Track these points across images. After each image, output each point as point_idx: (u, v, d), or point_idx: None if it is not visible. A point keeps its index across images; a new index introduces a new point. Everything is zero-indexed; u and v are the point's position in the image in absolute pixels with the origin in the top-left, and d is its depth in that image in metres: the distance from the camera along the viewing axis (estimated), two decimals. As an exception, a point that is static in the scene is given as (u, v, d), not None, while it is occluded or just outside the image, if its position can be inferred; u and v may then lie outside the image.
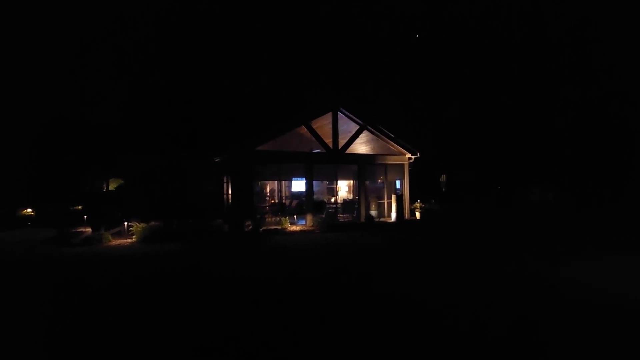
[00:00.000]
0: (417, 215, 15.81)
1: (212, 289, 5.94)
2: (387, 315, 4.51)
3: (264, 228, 12.66)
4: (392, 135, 15.86)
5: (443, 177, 22.98)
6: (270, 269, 7.34)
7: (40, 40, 22.87)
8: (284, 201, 15.96)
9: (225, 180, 15.88)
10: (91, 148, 18.44)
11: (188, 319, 4.53)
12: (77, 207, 15.71)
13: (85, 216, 14.34)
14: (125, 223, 12.29)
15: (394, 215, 15.32)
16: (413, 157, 16.18)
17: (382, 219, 15.41)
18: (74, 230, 12.16)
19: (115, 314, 4.77)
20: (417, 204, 16.21)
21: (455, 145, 25.61)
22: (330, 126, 14.98)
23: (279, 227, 12.93)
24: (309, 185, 14.45)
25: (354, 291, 5.60)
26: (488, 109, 26.84)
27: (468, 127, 26.39)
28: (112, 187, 17.68)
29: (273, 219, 13.86)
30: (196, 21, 26.40)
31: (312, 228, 13.24)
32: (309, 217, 13.92)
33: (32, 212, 16.36)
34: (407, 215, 15.67)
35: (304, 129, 14.91)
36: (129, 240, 11.15)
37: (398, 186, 16.55)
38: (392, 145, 16.08)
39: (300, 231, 12.84)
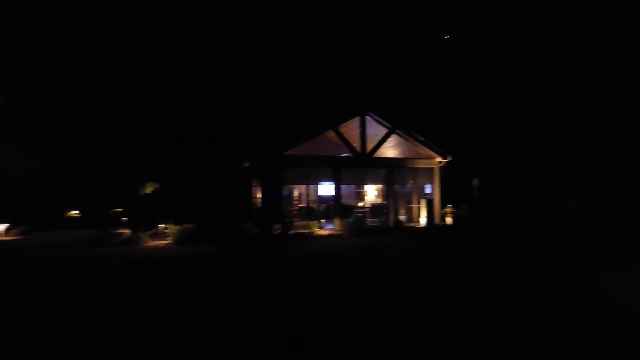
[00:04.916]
0: (448, 220, 15.36)
1: (241, 294, 6.06)
2: (415, 340, 4.00)
3: (292, 232, 12.79)
4: (422, 139, 15.55)
5: (475, 182, 22.17)
6: (299, 276, 7.37)
7: (72, 49, 24.07)
8: (311, 205, 16.05)
9: (254, 185, 16.19)
10: (130, 155, 19.51)
11: (210, 318, 4.66)
12: (117, 210, 16.63)
13: (124, 218, 15.14)
14: (161, 225, 12.84)
15: (423, 220, 14.96)
16: (444, 160, 15.77)
17: (411, 224, 15.10)
18: (114, 232, 12.87)
19: (148, 314, 4.98)
20: (448, 209, 15.75)
21: (488, 148, 24.70)
22: (358, 130, 14.93)
23: (307, 231, 13.01)
24: (336, 190, 14.45)
25: (383, 307, 5.21)
26: (524, 111, 25.73)
27: (502, 130, 25.39)
28: (148, 190, 18.55)
29: (301, 222, 13.98)
30: (218, 28, 27.19)
31: (340, 232, 13.21)
32: (337, 222, 13.90)
33: (78, 214, 17.53)
34: (437, 220, 15.26)
35: (331, 134, 14.96)
36: (164, 241, 11.64)
37: (428, 190, 16.17)
38: (422, 149, 15.77)
39: (329, 235, 12.85)
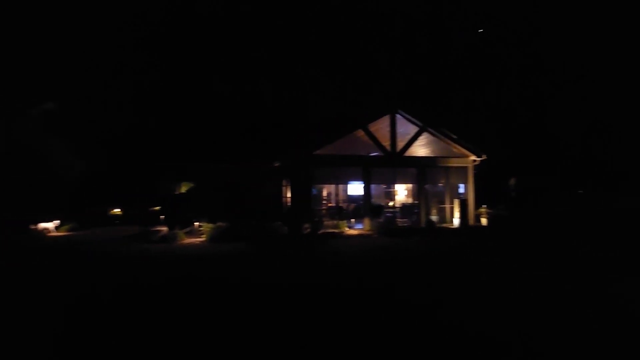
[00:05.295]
0: (483, 221, 14.75)
1: (274, 292, 6.16)
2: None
3: (321, 231, 12.82)
4: (455, 137, 15.07)
5: (512, 181, 21.16)
6: (330, 276, 7.38)
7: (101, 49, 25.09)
8: (341, 205, 16.01)
9: (284, 184, 16.42)
10: (166, 156, 20.42)
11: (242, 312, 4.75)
12: (155, 208, 17.46)
13: (161, 216, 15.86)
14: (196, 223, 13.33)
15: (456, 221, 14.48)
16: (478, 159, 15.18)
17: (443, 225, 14.67)
18: (153, 229, 13.52)
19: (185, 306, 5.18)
20: (483, 209, 15.13)
21: (526, 145, 23.48)
22: (388, 129, 14.71)
23: (336, 231, 12.99)
24: (366, 189, 14.32)
25: (417, 314, 5.04)
26: (563, 105, 24.24)
27: (541, 124, 24.05)
28: (183, 190, 19.34)
29: (330, 222, 13.98)
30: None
31: (369, 232, 13.07)
32: (367, 221, 13.77)
33: (120, 212, 18.60)
34: (471, 221, 14.72)
35: (361, 133, 14.84)
36: (199, 239, 12.06)
37: (461, 190, 15.63)
38: (455, 147, 15.27)
39: (358, 235, 12.76)
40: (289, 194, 15.07)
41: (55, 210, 15.94)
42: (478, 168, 15.45)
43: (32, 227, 14.36)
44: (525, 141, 23.91)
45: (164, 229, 13.45)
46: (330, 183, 16.32)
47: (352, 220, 14.71)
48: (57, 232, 15.07)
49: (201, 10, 27.38)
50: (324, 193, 17.50)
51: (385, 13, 28.16)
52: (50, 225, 14.96)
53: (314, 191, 15.42)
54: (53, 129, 19.25)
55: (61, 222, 15.54)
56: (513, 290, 5.81)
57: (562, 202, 20.21)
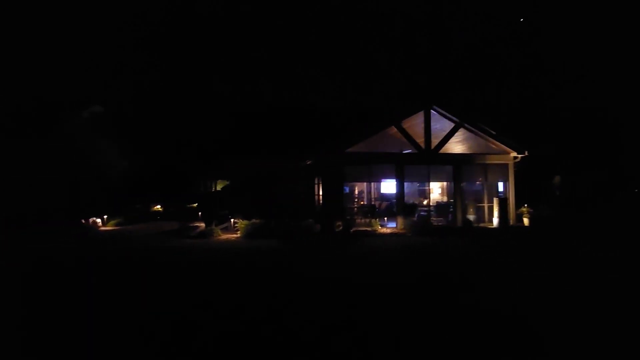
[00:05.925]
0: (525, 221, 14.00)
1: (305, 287, 6.22)
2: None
3: (354, 229, 12.76)
4: (494, 133, 14.40)
5: (557, 179, 19.92)
6: (364, 274, 7.34)
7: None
8: (373, 203, 15.85)
9: (316, 182, 16.50)
10: (203, 154, 21.23)
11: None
12: (193, 205, 18.24)
13: (199, 213, 16.52)
14: (231, 220, 13.75)
15: (495, 221, 13.85)
16: (519, 155, 14.41)
17: (481, 224, 14.09)
18: (191, 225, 14.13)
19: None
20: (524, 209, 14.34)
21: (572, 141, 21.96)
22: (422, 125, 14.33)
23: (368, 229, 12.88)
24: (399, 187, 14.06)
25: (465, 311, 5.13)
26: (611, 97, 22.46)
27: (588, 119, 22.39)
28: (218, 187, 20.04)
29: (362, 220, 13.88)
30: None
31: (403, 231, 12.84)
32: (400, 220, 13.53)
33: (161, 208, 19.62)
34: (512, 221, 14.03)
35: (393, 130, 14.56)
36: (235, 235, 12.43)
37: (500, 188, 14.93)
38: (493, 144, 14.60)
39: (391, 234, 12.57)
40: (321, 192, 15.13)
41: (102, 207, 17.10)
42: (519, 165, 14.68)
43: (84, 221, 15.49)
44: (571, 136, 22.38)
45: (202, 225, 14.00)
46: (363, 181, 16.18)
47: (385, 218, 14.52)
48: (106, 226, 16.15)
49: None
50: (356, 191, 17.41)
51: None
52: (99, 220, 16.07)
53: (346, 189, 15.37)
54: (99, 130, 20.58)
55: (108, 218, 16.64)
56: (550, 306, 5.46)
57: (613, 200, 18.70)
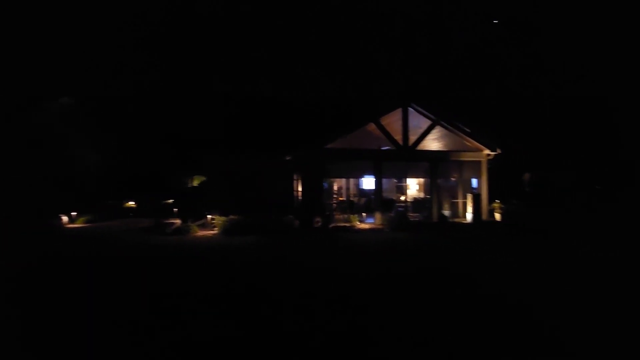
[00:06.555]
0: (497, 216, 14.54)
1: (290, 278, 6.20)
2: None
3: (333, 225, 12.83)
4: (468, 130, 14.82)
5: (526, 176, 20.77)
6: (340, 264, 7.39)
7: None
8: (352, 199, 15.97)
9: (295, 178, 16.43)
10: (181, 149, 20.66)
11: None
12: (168, 201, 17.71)
13: (174, 209, 16.08)
14: (208, 216, 13.47)
15: (469, 216, 14.31)
16: (492, 153, 14.93)
17: (455, 219, 14.51)
18: (166, 221, 13.73)
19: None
20: (496, 204, 14.90)
21: (543, 139, 22.97)
22: (400, 123, 14.54)
23: (347, 225, 12.98)
24: (377, 183, 14.23)
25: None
26: (581, 98, 23.65)
27: (558, 118, 23.49)
28: (195, 183, 19.57)
29: (341, 216, 13.97)
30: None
31: (381, 226, 13.03)
32: (378, 216, 13.72)
33: (134, 204, 18.95)
34: (484, 216, 14.52)
35: (372, 126, 14.71)
36: (212, 231, 12.20)
37: (474, 185, 15.41)
38: (468, 141, 15.04)
39: (370, 229, 12.72)
40: (300, 188, 15.09)
41: (72, 204, 16.32)
42: (492, 163, 15.20)
43: (50, 220, 14.70)
44: (541, 136, 23.40)
45: (177, 221, 13.64)
46: (342, 177, 16.28)
47: (364, 214, 14.68)
48: (74, 224, 15.43)
49: (201, 10, 27.45)
50: (335, 187, 17.48)
51: (385, 13, 27.85)
52: (65, 217, 15.30)
53: (325, 185, 15.40)
54: (68, 123, 19.61)
55: (77, 214, 15.90)
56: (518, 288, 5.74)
57: (577, 197, 19.73)
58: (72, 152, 18.86)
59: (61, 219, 14.97)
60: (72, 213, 15.80)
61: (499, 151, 14.88)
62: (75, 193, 17.03)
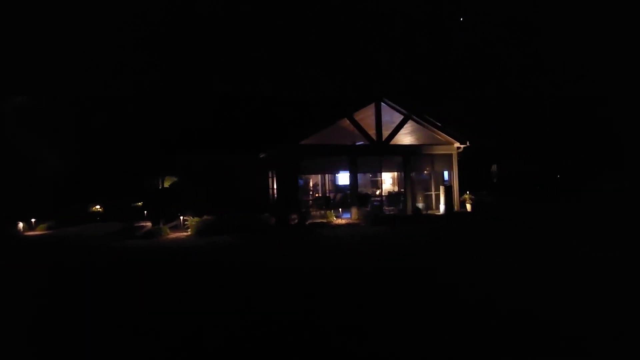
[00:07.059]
0: (468, 207, 15.04)
1: (264, 279, 6.09)
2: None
3: (309, 221, 12.77)
4: (439, 124, 15.20)
5: (494, 167, 21.66)
6: (314, 260, 7.36)
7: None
8: (328, 195, 15.99)
9: (270, 175, 16.25)
10: (150, 150, 19.87)
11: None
12: (137, 204, 17.00)
13: (145, 211, 15.46)
14: (181, 217, 13.05)
15: (442, 208, 14.71)
16: (462, 146, 15.39)
17: (429, 212, 14.87)
18: (136, 225, 13.16)
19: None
20: (467, 196, 15.41)
21: (509, 132, 23.99)
22: (373, 118, 14.68)
23: (324, 221, 12.97)
24: (353, 178, 14.32)
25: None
26: (546, 93, 24.88)
27: (523, 112, 24.60)
28: (166, 184, 18.91)
29: (318, 212, 13.95)
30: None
31: (357, 221, 13.12)
32: (354, 211, 13.81)
33: (101, 208, 18.02)
34: (456, 207, 14.98)
35: (346, 122, 14.75)
36: (185, 233, 11.82)
37: (446, 177, 15.85)
38: (439, 135, 15.42)
39: (346, 224, 12.78)
40: (275, 185, 14.94)
41: (32, 210, 15.31)
42: (462, 155, 15.68)
43: (4, 227, 13.68)
44: (508, 129, 24.42)
45: (148, 224, 13.13)
46: (317, 173, 16.25)
47: (340, 209, 14.73)
48: (35, 230, 14.49)
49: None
50: (311, 183, 17.45)
51: (385, 13, 28.04)
52: (21, 224, 14.29)
53: (301, 182, 15.33)
54: (26, 124, 18.40)
55: (37, 220, 14.94)
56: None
57: (540, 187, 20.84)
58: (31, 155, 17.71)
59: (17, 226, 13.99)
60: (32, 220, 14.83)
61: (468, 143, 15.36)
62: (35, 198, 15.98)
